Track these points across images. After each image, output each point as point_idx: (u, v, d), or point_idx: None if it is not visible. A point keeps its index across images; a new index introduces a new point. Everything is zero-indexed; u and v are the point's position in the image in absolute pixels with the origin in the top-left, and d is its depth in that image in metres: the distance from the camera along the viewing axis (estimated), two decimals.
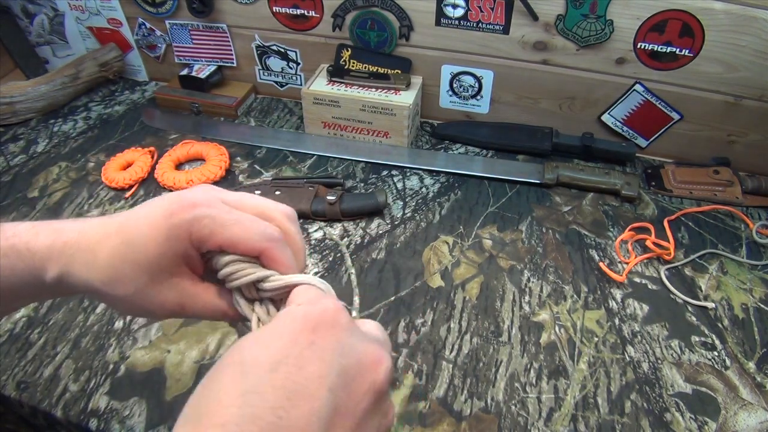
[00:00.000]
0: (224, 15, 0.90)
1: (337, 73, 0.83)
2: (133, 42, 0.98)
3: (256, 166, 0.80)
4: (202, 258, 0.31)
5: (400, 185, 0.76)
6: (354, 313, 0.58)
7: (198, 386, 0.23)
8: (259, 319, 0.30)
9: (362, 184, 0.76)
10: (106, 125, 0.89)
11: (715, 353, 0.54)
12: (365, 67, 0.87)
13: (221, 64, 0.96)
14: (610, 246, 0.67)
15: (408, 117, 0.79)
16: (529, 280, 0.62)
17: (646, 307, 0.59)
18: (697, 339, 0.56)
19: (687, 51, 0.73)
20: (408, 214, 0.71)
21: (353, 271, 0.63)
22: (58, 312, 0.57)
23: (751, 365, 0.53)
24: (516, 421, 0.48)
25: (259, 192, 0.71)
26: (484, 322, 0.57)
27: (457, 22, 0.79)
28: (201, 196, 0.29)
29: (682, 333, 0.56)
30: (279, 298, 0.31)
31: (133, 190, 0.74)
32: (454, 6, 0.78)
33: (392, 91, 0.81)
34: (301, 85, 0.95)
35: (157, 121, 0.90)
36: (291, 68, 0.93)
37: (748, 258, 0.66)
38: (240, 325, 0.55)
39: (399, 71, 0.85)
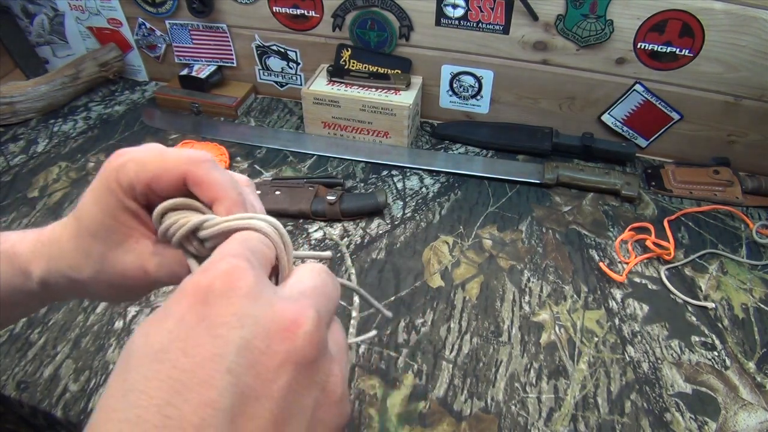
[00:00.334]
0: (224, 15, 0.90)
1: (337, 73, 0.83)
2: (133, 42, 0.98)
3: (256, 166, 0.80)
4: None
5: (400, 185, 0.76)
6: (354, 313, 0.58)
7: None
8: None
9: (362, 184, 0.76)
10: (106, 125, 0.89)
11: (715, 353, 0.54)
12: (365, 67, 0.87)
13: (221, 64, 0.96)
14: (610, 246, 0.67)
15: (408, 117, 0.79)
16: (529, 280, 0.62)
17: (646, 307, 0.59)
18: (697, 339, 0.56)
19: (687, 51, 0.73)
20: (408, 214, 0.71)
21: (353, 271, 0.63)
22: (58, 312, 0.57)
23: (751, 365, 0.53)
24: (516, 421, 0.48)
25: (258, 192, 0.71)
26: (484, 322, 0.57)
27: (457, 22, 0.79)
28: (132, 148, 0.28)
29: (682, 333, 0.56)
30: None
31: None
32: (454, 6, 0.78)
33: (392, 91, 0.81)
34: (301, 85, 0.95)
35: (157, 121, 0.90)
36: (291, 68, 0.93)
37: (748, 258, 0.66)
38: None
39: (399, 71, 0.85)
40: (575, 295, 0.60)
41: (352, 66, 0.87)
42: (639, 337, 0.56)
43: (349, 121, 0.83)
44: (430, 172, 0.79)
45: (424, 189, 0.76)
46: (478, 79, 0.85)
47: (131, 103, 0.96)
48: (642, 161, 0.84)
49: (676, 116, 0.79)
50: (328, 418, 0.21)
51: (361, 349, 0.54)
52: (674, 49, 0.73)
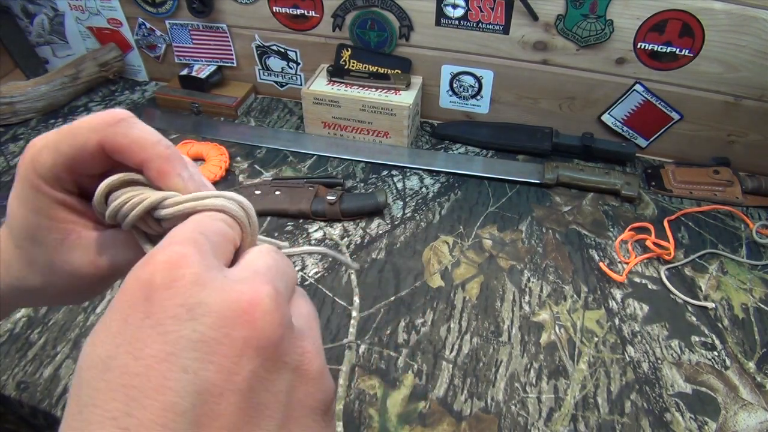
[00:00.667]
0: (224, 15, 0.89)
1: (337, 73, 0.83)
2: (133, 42, 0.98)
3: (256, 166, 0.80)
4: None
5: (400, 185, 0.76)
6: (354, 313, 0.58)
7: None
8: None
9: (362, 184, 0.76)
10: None
11: (715, 353, 0.54)
12: (365, 67, 0.87)
13: (221, 64, 0.96)
14: (610, 246, 0.67)
15: (408, 117, 0.79)
16: (529, 280, 0.62)
17: (646, 307, 0.59)
18: (697, 339, 0.56)
19: (687, 51, 0.73)
20: (408, 214, 0.71)
21: (353, 271, 0.63)
22: (58, 312, 0.57)
23: (751, 365, 0.53)
24: (516, 421, 0.48)
25: (259, 192, 0.71)
26: (484, 322, 0.57)
27: (457, 22, 0.79)
28: (45, 133, 0.24)
29: (682, 333, 0.56)
30: None
31: None
32: (454, 6, 0.78)
33: (392, 91, 0.81)
34: (301, 85, 0.95)
35: (157, 121, 0.90)
36: (291, 68, 0.93)
37: (748, 258, 0.66)
38: None
39: (399, 71, 0.85)
40: (575, 295, 0.60)
41: (352, 66, 0.87)
42: (639, 337, 0.56)
43: (349, 121, 0.83)
44: (430, 172, 0.79)
45: (424, 189, 0.76)
46: (478, 79, 0.85)
47: (131, 103, 0.96)
48: (642, 161, 0.84)
49: (676, 116, 0.79)
50: (308, 398, 0.19)
51: (361, 349, 0.54)
52: (674, 49, 0.73)
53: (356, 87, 0.82)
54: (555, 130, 0.83)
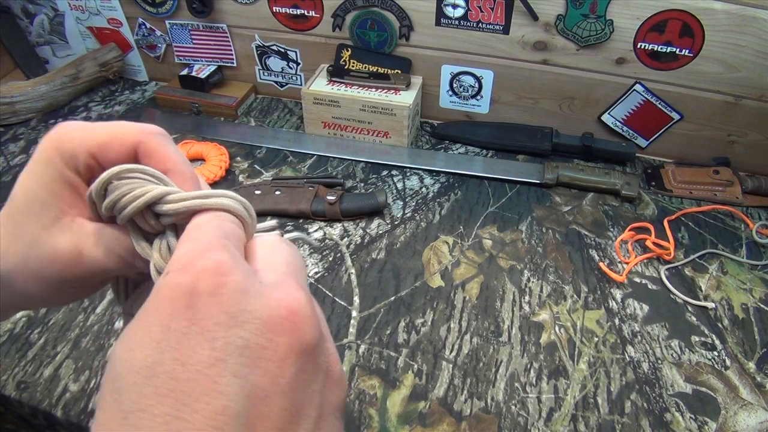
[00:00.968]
0: (224, 15, 0.89)
1: (337, 73, 0.83)
2: (133, 42, 0.98)
3: (256, 166, 0.80)
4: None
5: (400, 185, 0.76)
6: (354, 313, 0.58)
7: None
8: (156, 266, 0.22)
9: (362, 184, 0.76)
10: None
11: (715, 353, 0.54)
12: (365, 67, 0.87)
13: (221, 64, 0.96)
14: (610, 246, 0.67)
15: (408, 117, 0.79)
16: (529, 280, 0.62)
17: (646, 307, 0.59)
18: (697, 339, 0.56)
19: (687, 51, 0.73)
20: (408, 214, 0.71)
21: (353, 271, 0.63)
22: (58, 312, 0.57)
23: (751, 365, 0.53)
24: (516, 421, 0.48)
25: (259, 192, 0.71)
26: (484, 322, 0.57)
27: (457, 22, 0.79)
28: (77, 121, 0.25)
29: (682, 333, 0.56)
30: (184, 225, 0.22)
31: None
32: (454, 6, 0.78)
33: (392, 91, 0.81)
34: (301, 85, 0.95)
35: (157, 121, 0.90)
36: (291, 68, 0.93)
37: (748, 258, 0.66)
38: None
39: (399, 71, 0.85)
40: (575, 295, 0.60)
41: (352, 66, 0.87)
42: (639, 337, 0.56)
43: (349, 121, 0.83)
44: (430, 172, 0.79)
45: (424, 189, 0.76)
46: (478, 79, 0.85)
47: (131, 103, 0.96)
48: (642, 161, 0.84)
49: (676, 116, 0.79)
50: (334, 397, 0.20)
51: (361, 349, 0.54)
52: (674, 49, 0.73)
53: (356, 87, 0.82)
54: (555, 130, 0.83)
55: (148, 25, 0.95)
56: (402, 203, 0.73)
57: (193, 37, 0.94)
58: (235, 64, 0.95)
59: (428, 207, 0.72)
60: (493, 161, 0.82)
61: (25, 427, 0.54)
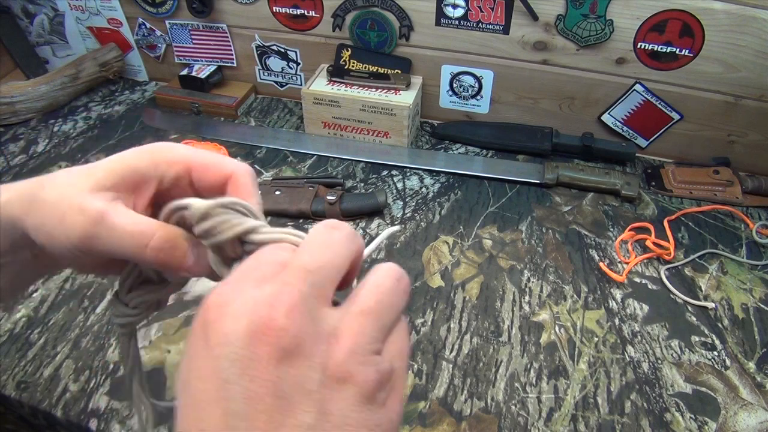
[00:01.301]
0: (224, 15, 0.90)
1: (337, 73, 0.83)
2: (133, 42, 0.98)
3: (256, 166, 0.80)
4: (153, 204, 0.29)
5: (400, 185, 0.76)
6: None
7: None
8: None
9: (362, 184, 0.76)
10: (106, 125, 0.89)
11: (715, 353, 0.54)
12: (365, 67, 0.87)
13: (221, 64, 0.96)
14: (610, 246, 0.67)
15: (408, 117, 0.79)
16: (529, 280, 0.62)
17: (646, 307, 0.59)
18: (697, 339, 0.56)
19: (687, 51, 0.73)
20: (408, 214, 0.71)
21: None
22: (58, 312, 0.57)
23: (751, 365, 0.53)
24: (516, 421, 0.48)
25: (258, 192, 0.71)
26: (484, 322, 0.57)
27: (457, 22, 0.79)
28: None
29: (682, 333, 0.56)
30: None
31: None
32: (454, 6, 0.78)
33: (392, 91, 0.81)
34: (301, 85, 0.95)
35: (157, 121, 0.90)
36: (291, 68, 0.93)
37: (748, 258, 0.66)
38: None
39: (399, 71, 0.85)
40: (575, 295, 0.60)
41: (352, 66, 0.87)
42: (639, 337, 0.56)
43: (349, 121, 0.83)
44: (430, 172, 0.79)
45: (424, 189, 0.76)
46: (478, 79, 0.85)
47: (131, 103, 0.96)
48: (642, 161, 0.84)
49: (676, 116, 0.80)
50: (339, 394, 0.21)
51: None
52: (674, 49, 0.73)
53: (356, 87, 0.82)
54: (555, 130, 0.83)
55: (148, 25, 0.95)
56: (402, 203, 0.73)
57: (193, 37, 0.94)
58: (235, 64, 0.95)
59: (428, 207, 0.72)
60: (493, 161, 0.82)
61: (25, 427, 0.54)
